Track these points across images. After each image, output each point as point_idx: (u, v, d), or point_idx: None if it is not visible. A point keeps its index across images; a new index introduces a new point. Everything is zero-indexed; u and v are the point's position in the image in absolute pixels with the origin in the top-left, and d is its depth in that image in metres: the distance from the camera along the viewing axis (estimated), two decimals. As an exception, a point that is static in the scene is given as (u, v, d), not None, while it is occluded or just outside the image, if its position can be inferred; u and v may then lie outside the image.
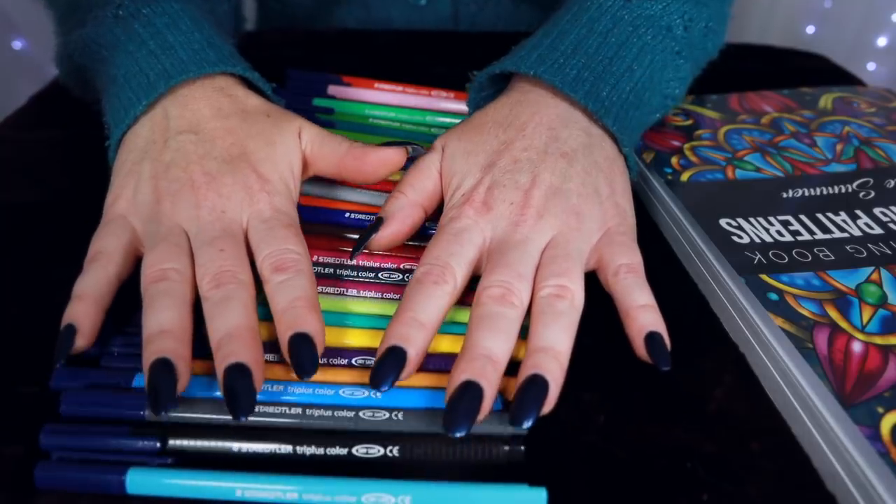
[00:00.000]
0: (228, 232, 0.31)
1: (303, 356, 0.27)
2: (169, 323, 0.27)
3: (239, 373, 0.26)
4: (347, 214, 0.37)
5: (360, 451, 0.26)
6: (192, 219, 0.31)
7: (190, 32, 0.36)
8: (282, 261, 0.30)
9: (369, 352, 0.30)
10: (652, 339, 0.29)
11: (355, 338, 0.30)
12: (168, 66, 0.34)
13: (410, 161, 0.36)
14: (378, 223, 0.33)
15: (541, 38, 0.37)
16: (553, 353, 0.27)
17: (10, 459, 0.26)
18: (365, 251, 0.34)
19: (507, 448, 0.26)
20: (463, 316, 0.32)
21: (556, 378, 0.27)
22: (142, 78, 0.34)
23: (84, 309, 0.28)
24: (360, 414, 0.27)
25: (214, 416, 0.27)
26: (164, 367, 0.26)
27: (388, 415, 0.27)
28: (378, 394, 0.28)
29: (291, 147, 0.34)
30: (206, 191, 0.32)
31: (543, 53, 0.36)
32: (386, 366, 0.27)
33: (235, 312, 0.28)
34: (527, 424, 0.26)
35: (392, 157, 0.34)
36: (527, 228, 0.31)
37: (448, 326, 0.31)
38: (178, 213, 0.31)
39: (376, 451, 0.26)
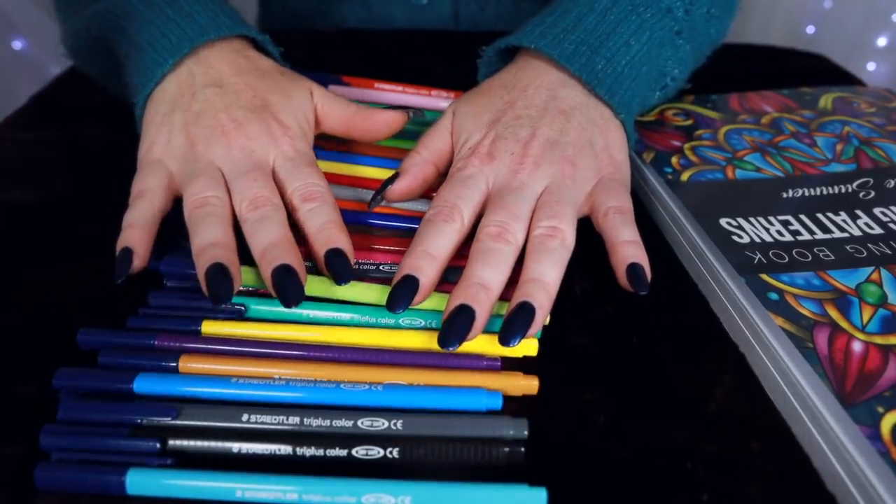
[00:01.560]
0: (259, 166, 0.34)
1: (339, 267, 0.31)
2: (216, 237, 0.31)
3: (286, 271, 0.30)
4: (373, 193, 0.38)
5: (359, 452, 0.26)
6: (225, 158, 0.35)
7: (204, 1, 0.39)
8: (309, 192, 0.34)
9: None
10: (632, 269, 0.32)
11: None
12: (189, 31, 0.38)
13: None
14: (395, 177, 0.37)
15: (545, 16, 0.40)
16: (541, 284, 0.30)
17: (10, 459, 0.26)
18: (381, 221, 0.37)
19: (507, 450, 0.26)
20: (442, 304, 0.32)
21: (542, 305, 0.30)
22: (165, 41, 0.37)
23: (137, 234, 0.32)
24: (359, 423, 0.27)
25: (214, 423, 0.27)
26: (219, 270, 0.29)
27: (386, 423, 0.27)
28: (379, 386, 0.28)
29: (305, 102, 0.38)
30: (235, 134, 0.35)
31: (545, 30, 0.39)
32: (400, 291, 0.30)
33: (274, 227, 0.31)
34: (513, 343, 0.29)
35: (395, 118, 0.39)
36: (524, 175, 0.34)
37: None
38: (212, 153, 0.35)
39: (376, 452, 0.26)
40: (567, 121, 0.36)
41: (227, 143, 0.35)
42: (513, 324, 0.29)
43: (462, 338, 0.29)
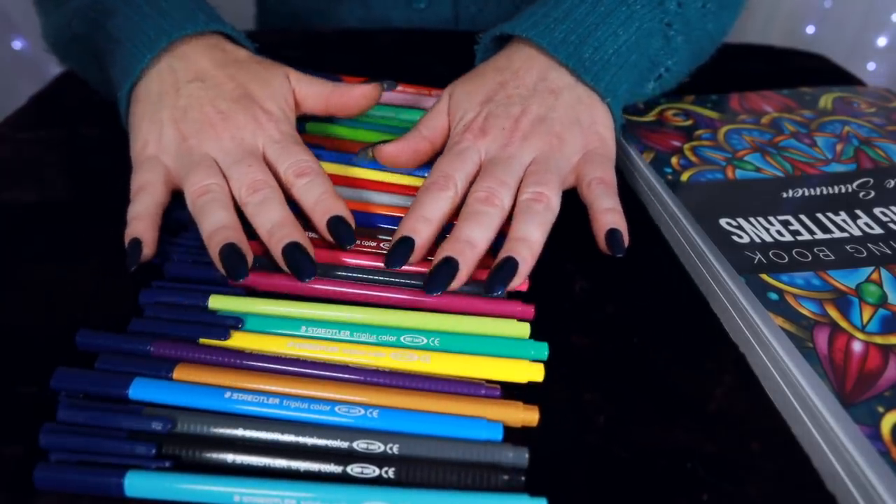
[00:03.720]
0: (251, 153, 0.36)
1: (342, 232, 0.33)
2: (223, 220, 0.33)
3: (297, 248, 0.32)
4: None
5: (354, 470, 0.25)
6: (218, 148, 0.36)
7: None
8: (301, 168, 0.35)
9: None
10: (611, 234, 0.34)
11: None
12: (166, 26, 0.39)
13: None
14: (389, 140, 0.39)
15: (539, 6, 0.42)
16: (526, 243, 0.33)
17: (10, 459, 0.26)
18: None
19: (506, 477, 0.25)
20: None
21: (525, 260, 0.32)
22: (142, 36, 0.39)
23: (143, 225, 0.33)
24: (354, 444, 0.26)
25: (212, 430, 0.26)
26: (232, 249, 0.31)
27: (382, 447, 0.26)
28: (375, 413, 0.27)
29: (284, 87, 0.40)
30: (223, 125, 0.37)
31: (538, 20, 0.41)
32: (398, 250, 0.33)
33: (276, 209, 0.33)
34: (497, 293, 0.31)
35: (371, 91, 0.41)
36: (513, 148, 0.37)
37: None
38: (205, 145, 0.36)
39: (371, 471, 0.25)
40: (556, 99, 0.39)
41: (217, 134, 0.36)
42: (497, 275, 0.32)
43: (444, 285, 0.31)
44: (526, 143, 0.37)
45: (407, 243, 0.33)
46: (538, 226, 0.33)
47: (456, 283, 0.32)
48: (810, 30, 1.10)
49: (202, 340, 0.30)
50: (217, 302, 0.31)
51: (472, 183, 0.36)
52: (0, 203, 0.39)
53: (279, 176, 0.36)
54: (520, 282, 0.32)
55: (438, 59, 0.55)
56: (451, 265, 0.32)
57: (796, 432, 0.28)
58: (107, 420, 0.26)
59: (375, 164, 0.40)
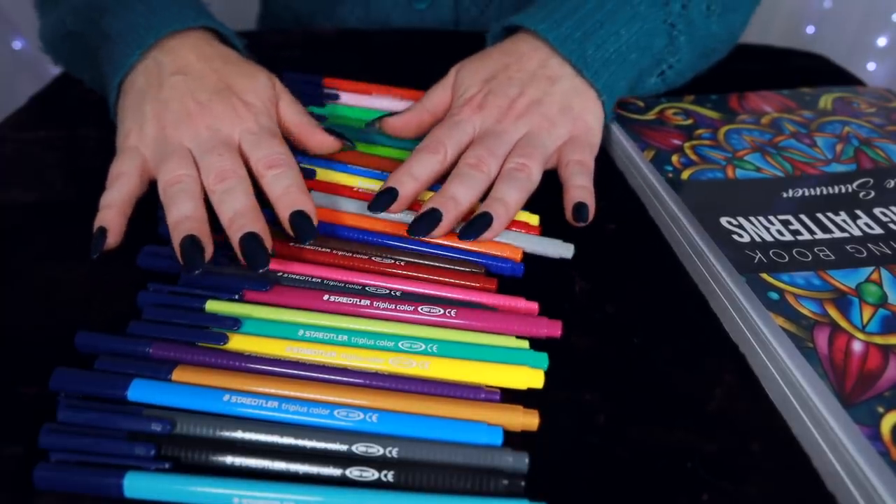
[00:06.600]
0: (224, 143, 0.37)
1: (303, 228, 0.34)
2: (189, 211, 0.33)
3: (252, 238, 0.32)
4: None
5: (353, 473, 0.25)
6: (193, 138, 0.37)
7: None
8: (272, 160, 0.36)
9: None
10: (578, 206, 0.37)
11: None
12: (155, 23, 0.40)
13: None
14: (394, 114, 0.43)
15: (548, 0, 0.44)
16: (503, 203, 0.36)
17: (10, 459, 0.26)
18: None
19: (506, 482, 0.25)
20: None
21: (500, 216, 0.35)
22: (133, 34, 0.40)
23: (112, 215, 0.34)
24: (353, 448, 0.26)
25: (212, 432, 0.26)
26: (192, 241, 0.32)
27: (381, 451, 0.26)
28: (374, 417, 0.27)
29: (268, 86, 0.41)
30: (201, 116, 0.37)
31: (546, 14, 0.43)
32: (381, 199, 0.36)
33: (240, 198, 0.34)
34: (467, 239, 0.35)
35: (330, 143, 0.41)
36: (506, 124, 0.40)
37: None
38: (181, 136, 0.37)
39: (370, 474, 0.25)
40: (552, 85, 0.41)
41: (194, 124, 0.37)
42: (472, 225, 0.35)
43: (426, 231, 0.35)
44: (519, 122, 0.40)
45: (391, 193, 0.36)
46: (517, 190, 0.36)
47: (437, 232, 0.35)
48: (810, 30, 1.10)
49: (201, 344, 0.30)
50: (214, 306, 0.31)
51: (461, 151, 0.39)
52: (0, 203, 0.39)
53: (251, 167, 0.37)
54: (491, 236, 0.35)
55: (439, 60, 0.54)
56: (435, 215, 0.35)
57: (796, 432, 0.28)
58: (107, 421, 0.26)
59: (384, 139, 0.43)
